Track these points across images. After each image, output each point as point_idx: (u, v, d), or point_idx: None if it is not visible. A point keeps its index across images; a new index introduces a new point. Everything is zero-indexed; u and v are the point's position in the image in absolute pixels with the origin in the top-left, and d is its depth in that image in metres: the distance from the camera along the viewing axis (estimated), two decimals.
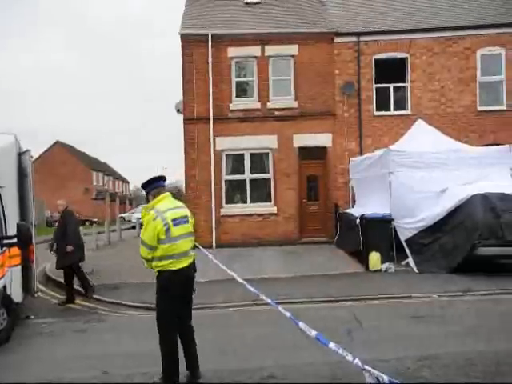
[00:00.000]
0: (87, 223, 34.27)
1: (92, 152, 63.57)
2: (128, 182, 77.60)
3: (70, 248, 8.72)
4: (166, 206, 4.54)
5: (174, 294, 4.45)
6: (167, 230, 4.40)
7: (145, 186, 4.75)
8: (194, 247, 4.85)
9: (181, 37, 14.94)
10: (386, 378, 2.58)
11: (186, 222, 4.62)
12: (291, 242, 14.55)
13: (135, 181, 75.10)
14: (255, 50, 15.05)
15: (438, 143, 11.64)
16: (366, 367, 2.77)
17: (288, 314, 4.36)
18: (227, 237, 14.74)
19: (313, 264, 11.29)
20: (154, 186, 4.68)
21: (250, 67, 15.31)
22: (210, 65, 14.82)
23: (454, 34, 15.13)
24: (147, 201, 4.79)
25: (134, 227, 26.38)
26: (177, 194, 21.15)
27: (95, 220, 36.37)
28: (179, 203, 4.80)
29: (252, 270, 10.39)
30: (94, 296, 9.03)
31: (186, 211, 4.70)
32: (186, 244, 4.56)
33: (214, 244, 14.45)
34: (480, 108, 15.08)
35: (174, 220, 4.46)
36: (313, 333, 3.72)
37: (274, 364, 4.99)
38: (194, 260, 4.73)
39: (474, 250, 9.33)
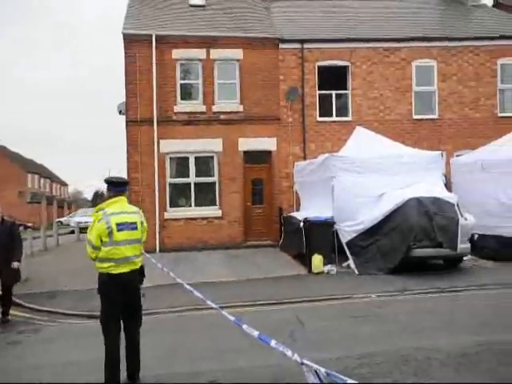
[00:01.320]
0: (21, 228, 32.38)
1: (27, 153, 60.43)
2: (67, 185, 74.41)
3: (16, 264, 7.70)
4: (115, 209, 4.57)
5: (113, 298, 4.48)
6: (110, 234, 4.44)
7: (119, 185, 4.77)
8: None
9: (123, 36, 14.60)
10: (322, 371, 2.67)
11: (134, 228, 4.63)
12: (236, 245, 14.58)
13: (75, 183, 72.23)
14: (200, 53, 14.99)
15: (378, 149, 12.10)
16: (305, 361, 2.85)
17: (232, 318, 4.38)
18: (171, 241, 14.53)
19: (257, 267, 11.38)
20: (121, 189, 4.76)
21: (195, 70, 15.22)
22: (154, 66, 14.58)
23: (391, 46, 15.87)
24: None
25: (72, 232, 25.32)
26: None
27: (29, 225, 34.49)
28: (131, 208, 4.83)
29: (197, 274, 10.32)
30: (29, 305, 8.53)
31: (135, 217, 4.71)
32: (129, 250, 4.55)
33: (157, 248, 14.19)
34: (415, 116, 15.90)
35: (118, 225, 4.48)
36: (255, 333, 3.78)
37: (218, 368, 4.98)
38: (141, 266, 4.74)
39: (410, 251, 9.81)
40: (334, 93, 15.78)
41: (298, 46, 15.51)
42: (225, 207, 14.98)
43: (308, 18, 17.81)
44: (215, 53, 15.07)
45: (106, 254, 4.45)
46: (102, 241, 4.44)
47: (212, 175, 15.17)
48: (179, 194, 15.16)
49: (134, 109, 14.66)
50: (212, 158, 15.17)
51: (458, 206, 10.32)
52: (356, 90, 15.74)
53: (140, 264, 4.72)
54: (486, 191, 11.80)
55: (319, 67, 15.60)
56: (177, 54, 14.93)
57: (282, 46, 15.40)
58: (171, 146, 14.78)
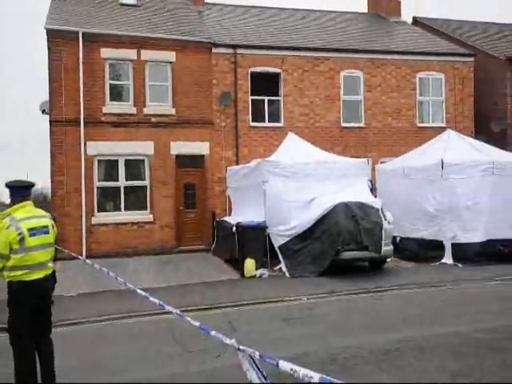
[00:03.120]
0: None
1: None
2: None
3: None
4: (24, 214, 4.33)
5: (26, 306, 4.26)
6: (21, 240, 4.21)
7: (24, 189, 4.47)
8: (56, 259, 4.63)
9: (47, 32, 13.83)
10: (257, 354, 2.81)
11: (46, 232, 4.44)
12: (168, 250, 14.29)
13: None
14: (131, 53, 14.57)
15: (309, 155, 12.46)
16: (241, 347, 2.91)
17: (179, 313, 4.30)
18: (99, 246, 13.94)
19: (189, 272, 11.24)
20: (26, 193, 4.48)
21: (126, 70, 14.77)
22: (81, 65, 13.94)
23: (321, 55, 16.43)
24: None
25: None
26: (43, 202, 19.40)
27: None
28: (40, 212, 4.60)
29: (126, 281, 9.95)
30: None
31: (46, 221, 4.51)
32: (42, 255, 4.38)
33: (84, 254, 13.53)
34: (343, 124, 16.56)
35: (30, 230, 4.27)
36: (196, 323, 3.94)
37: (149, 376, 4.84)
38: (53, 272, 4.56)
39: (338, 254, 10.18)
40: (266, 99, 16.03)
41: (230, 51, 15.59)
42: (156, 212, 14.64)
43: (241, 25, 18.01)
44: (146, 54, 14.73)
45: (18, 262, 4.22)
46: (11, 249, 4.18)
47: (143, 179, 14.77)
48: (108, 198, 14.59)
49: (59, 108, 13.92)
50: (143, 161, 14.78)
51: (382, 210, 10.87)
52: (288, 97, 16.11)
53: (52, 269, 4.55)
54: (408, 196, 12.57)
55: (252, 73, 15.78)
56: (106, 53, 14.39)
57: (214, 50, 15.39)
58: (99, 148, 14.21)
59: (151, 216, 14.60)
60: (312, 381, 2.27)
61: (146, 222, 14.54)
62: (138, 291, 5.60)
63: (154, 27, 15.45)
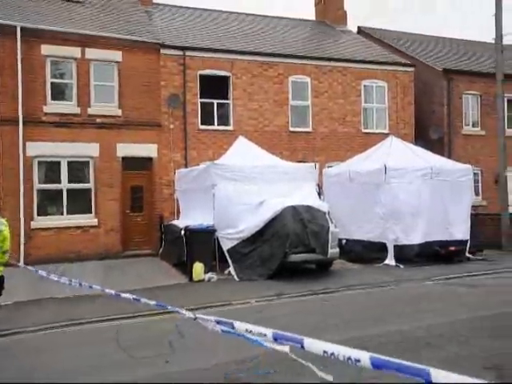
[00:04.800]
0: None
1: None
2: None
3: None
4: None
5: None
6: None
7: None
8: (6, 264, 4.38)
9: None
10: (213, 319, 2.80)
11: None
12: (114, 255, 13.89)
13: None
14: (74, 51, 14.05)
15: (258, 158, 12.55)
16: (197, 315, 2.97)
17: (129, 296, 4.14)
18: (39, 252, 13.29)
19: (136, 277, 10.95)
20: None
21: (69, 69, 14.21)
22: (20, 61, 13.28)
23: (269, 60, 16.62)
24: None
25: None
26: None
27: None
28: None
29: (68, 288, 9.55)
30: None
31: None
32: None
33: (22, 260, 12.84)
34: (291, 129, 16.83)
35: None
36: (152, 302, 4.06)
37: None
38: (1, 277, 4.28)
39: (286, 257, 10.30)
40: (215, 102, 15.98)
41: (179, 52, 15.42)
42: (101, 215, 14.18)
43: (190, 26, 17.89)
44: (91, 53, 14.25)
45: None
46: None
47: (87, 181, 14.26)
48: (49, 202, 13.95)
49: None
50: (87, 163, 14.28)
51: (328, 213, 11.13)
52: (237, 101, 16.15)
53: (0, 274, 4.29)
54: (353, 200, 12.96)
55: (201, 75, 15.69)
56: (47, 50, 13.79)
57: (163, 51, 15.17)
58: (40, 149, 13.58)
59: (96, 220, 14.12)
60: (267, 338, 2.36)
61: (90, 226, 14.05)
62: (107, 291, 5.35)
63: (100, 25, 15.00)
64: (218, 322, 2.79)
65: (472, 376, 1.83)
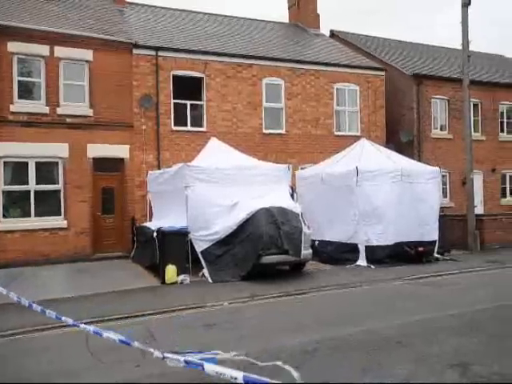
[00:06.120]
0: None
1: None
2: None
3: None
4: None
5: None
6: None
7: None
8: None
9: None
10: (182, 360, 2.93)
11: None
12: (84, 258, 13.61)
13: None
14: (43, 49, 13.71)
15: (231, 160, 12.51)
16: (165, 355, 2.87)
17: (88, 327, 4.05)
18: (5, 255, 12.91)
19: (107, 280, 10.75)
20: None
21: (37, 67, 13.86)
22: None
23: (243, 62, 16.63)
24: None
25: None
26: None
27: None
28: None
29: (36, 292, 9.29)
30: None
31: None
32: None
33: None
34: (265, 131, 16.88)
35: None
36: (117, 337, 3.69)
37: None
38: None
39: (260, 258, 10.30)
40: (188, 103, 15.88)
41: (152, 52, 15.25)
42: (71, 217, 13.87)
43: (163, 27, 17.74)
44: (61, 51, 13.94)
45: None
46: None
47: (56, 183, 13.93)
48: (16, 203, 13.55)
49: None
50: (56, 163, 13.95)
51: (301, 215, 11.20)
52: (210, 102, 16.08)
53: None
54: (326, 201, 13.10)
55: (174, 76, 15.56)
56: (14, 47, 13.41)
57: (135, 51, 14.98)
58: (6, 149, 13.19)
59: (65, 222, 13.81)
60: (237, 381, 2.32)
61: (59, 229, 13.73)
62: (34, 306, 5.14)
63: (70, 23, 14.70)
64: (188, 363, 2.75)
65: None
